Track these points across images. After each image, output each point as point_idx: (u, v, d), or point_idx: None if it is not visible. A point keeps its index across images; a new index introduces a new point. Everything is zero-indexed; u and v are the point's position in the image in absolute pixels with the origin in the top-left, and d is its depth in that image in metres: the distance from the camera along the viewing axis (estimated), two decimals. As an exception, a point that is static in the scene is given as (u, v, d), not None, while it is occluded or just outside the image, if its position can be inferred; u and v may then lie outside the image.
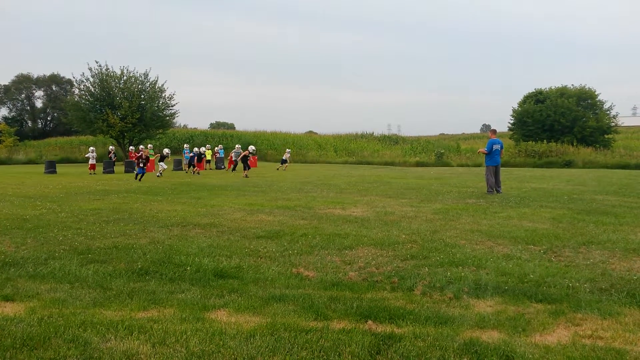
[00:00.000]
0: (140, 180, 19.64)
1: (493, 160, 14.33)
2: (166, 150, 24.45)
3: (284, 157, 30.18)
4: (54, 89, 69.95)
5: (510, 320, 3.99)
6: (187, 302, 4.42)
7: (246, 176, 21.92)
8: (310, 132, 68.22)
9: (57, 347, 3.43)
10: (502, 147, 14.79)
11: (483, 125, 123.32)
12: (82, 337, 3.57)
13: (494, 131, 15.39)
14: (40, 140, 55.40)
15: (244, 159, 23.64)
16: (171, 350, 3.42)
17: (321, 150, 47.83)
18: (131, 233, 7.77)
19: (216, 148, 35.32)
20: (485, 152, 14.51)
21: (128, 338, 3.58)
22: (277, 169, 28.85)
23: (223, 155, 35.06)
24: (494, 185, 14.15)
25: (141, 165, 20.40)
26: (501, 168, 14.97)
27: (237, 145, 29.43)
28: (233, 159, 27.45)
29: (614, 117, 45.85)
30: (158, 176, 22.59)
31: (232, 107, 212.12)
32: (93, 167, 25.77)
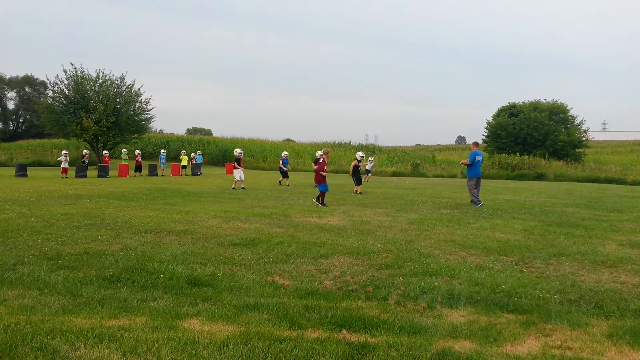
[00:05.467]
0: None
1: (475, 172, 14.46)
2: (238, 151, 20.14)
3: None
4: (27, 90, 68.58)
5: (482, 331, 4.04)
6: (159, 310, 4.36)
7: (360, 192, 17.47)
8: (288, 139, 68.15)
9: (24, 356, 3.34)
10: (482, 159, 14.99)
11: (458, 137, 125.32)
12: (50, 345, 3.49)
13: (477, 143, 15.55)
14: (11, 143, 54.12)
15: (356, 171, 17.90)
16: (142, 359, 3.36)
17: (298, 158, 47.77)
18: (103, 239, 7.63)
19: (193, 154, 35.04)
20: (468, 163, 14.57)
21: (98, 346, 3.51)
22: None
23: (201, 162, 34.77)
24: (477, 195, 14.23)
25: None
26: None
27: (284, 153, 24.09)
28: (284, 169, 22.27)
29: (585, 131, 47.04)
30: (234, 188, 18.68)
31: (210, 113, 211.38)
32: (65, 170, 25.29)
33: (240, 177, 19.06)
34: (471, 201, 14.26)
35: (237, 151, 20.17)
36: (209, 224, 9.42)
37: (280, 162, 23.10)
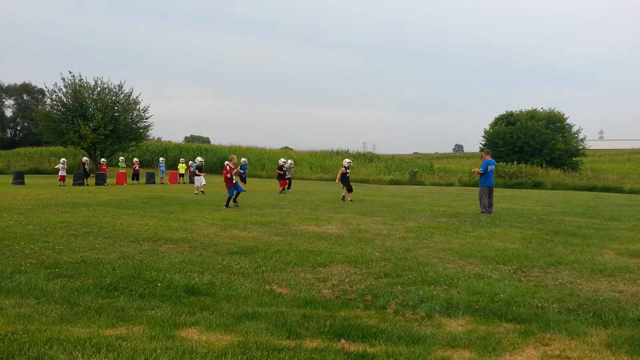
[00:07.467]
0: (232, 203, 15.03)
1: (488, 181, 14.33)
2: (199, 159, 22.97)
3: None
4: (24, 98, 68.62)
5: (481, 340, 4.03)
6: (157, 319, 4.34)
7: (349, 199, 17.73)
8: (286, 147, 68.25)
9: (20, 365, 3.32)
10: (495, 167, 14.93)
11: (455, 145, 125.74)
12: (47, 355, 3.47)
13: (488, 152, 15.53)
14: (9, 150, 54.01)
15: (344, 179, 18.15)
16: (140, 368, 3.34)
17: (296, 166, 47.80)
18: (100, 247, 7.61)
19: (190, 162, 35.02)
20: (481, 171, 14.45)
21: (96, 356, 3.49)
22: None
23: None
24: (487, 205, 14.17)
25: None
26: (472, 189, 15.09)
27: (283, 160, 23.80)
28: (287, 176, 22.85)
29: (582, 140, 47.30)
30: (196, 194, 20.26)
31: (208, 121, 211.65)
32: (63, 178, 25.25)
33: (200, 183, 21.07)
34: (481, 212, 14.10)
35: (198, 159, 23.09)
36: (206, 232, 9.40)
37: (239, 168, 24.48)
